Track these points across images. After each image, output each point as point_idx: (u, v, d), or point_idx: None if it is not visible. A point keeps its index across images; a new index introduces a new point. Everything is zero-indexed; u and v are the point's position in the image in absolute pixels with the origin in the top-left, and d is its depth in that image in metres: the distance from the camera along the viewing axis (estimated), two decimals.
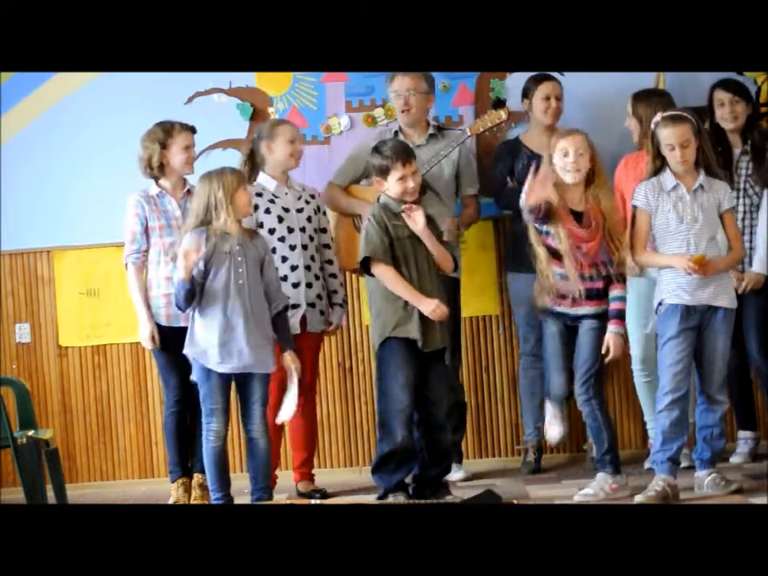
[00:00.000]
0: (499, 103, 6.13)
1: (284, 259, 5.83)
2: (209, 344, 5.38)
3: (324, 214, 6.08)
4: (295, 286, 5.85)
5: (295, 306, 5.83)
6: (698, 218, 5.30)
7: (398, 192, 5.45)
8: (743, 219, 5.93)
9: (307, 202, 5.98)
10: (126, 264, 5.86)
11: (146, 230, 5.82)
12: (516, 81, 6.39)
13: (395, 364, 5.46)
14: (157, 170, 5.83)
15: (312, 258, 5.94)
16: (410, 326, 5.43)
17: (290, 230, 5.89)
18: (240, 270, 5.39)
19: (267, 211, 5.89)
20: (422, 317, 5.42)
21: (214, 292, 5.37)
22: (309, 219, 5.96)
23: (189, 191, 5.83)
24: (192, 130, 5.88)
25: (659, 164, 5.36)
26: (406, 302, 5.43)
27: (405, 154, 5.47)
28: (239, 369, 5.40)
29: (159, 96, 6.48)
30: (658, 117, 5.36)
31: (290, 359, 5.51)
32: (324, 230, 6.04)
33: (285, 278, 5.79)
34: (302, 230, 5.92)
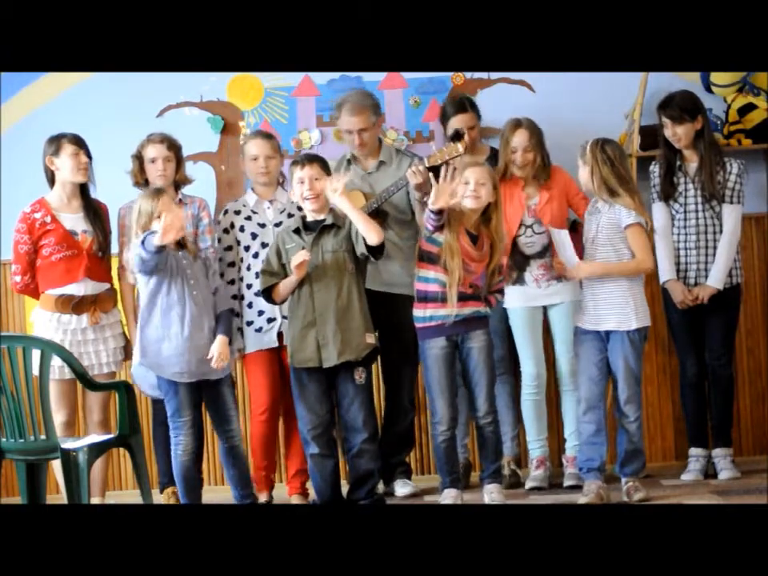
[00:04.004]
0: (457, 135, 6.14)
1: (257, 275, 5.80)
2: (165, 354, 5.36)
3: None
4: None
5: (271, 320, 5.86)
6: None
7: (297, 195, 5.62)
8: (705, 233, 6.06)
9: (290, 215, 5.95)
10: (120, 277, 5.93)
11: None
12: (487, 96, 6.53)
13: (295, 381, 5.61)
14: (143, 182, 5.89)
15: None
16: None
17: (264, 245, 5.89)
18: (192, 282, 5.42)
19: (242, 229, 5.94)
20: (296, 335, 5.57)
21: (170, 303, 5.38)
22: None
23: (180, 200, 5.85)
24: (161, 141, 5.88)
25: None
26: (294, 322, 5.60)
27: (303, 158, 5.67)
28: (198, 376, 5.39)
29: (133, 109, 6.53)
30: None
31: (219, 345, 5.41)
32: None
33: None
34: None
